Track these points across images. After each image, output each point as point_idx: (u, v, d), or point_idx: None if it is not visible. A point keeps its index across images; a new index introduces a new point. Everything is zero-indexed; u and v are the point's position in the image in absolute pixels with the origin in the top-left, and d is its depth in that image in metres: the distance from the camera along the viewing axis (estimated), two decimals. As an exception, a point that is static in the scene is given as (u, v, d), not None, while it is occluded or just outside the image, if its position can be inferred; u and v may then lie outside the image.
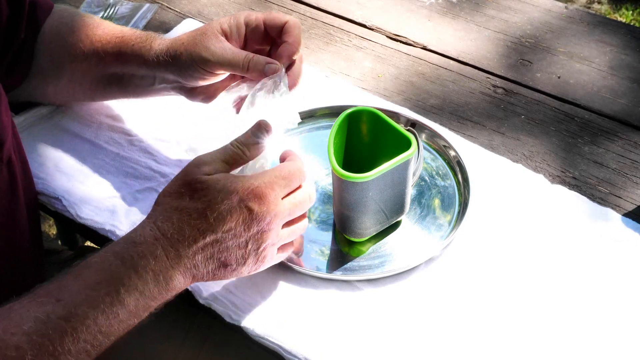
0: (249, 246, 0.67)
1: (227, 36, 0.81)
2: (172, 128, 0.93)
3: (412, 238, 0.80)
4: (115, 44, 0.84)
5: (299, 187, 0.70)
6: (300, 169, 0.70)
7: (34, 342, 0.57)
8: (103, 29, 0.86)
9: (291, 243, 0.72)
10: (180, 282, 0.65)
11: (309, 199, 0.71)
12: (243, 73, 0.78)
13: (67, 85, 0.90)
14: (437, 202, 0.84)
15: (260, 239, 0.67)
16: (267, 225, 0.66)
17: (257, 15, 0.81)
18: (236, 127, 0.75)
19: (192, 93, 0.85)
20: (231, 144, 0.70)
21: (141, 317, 0.64)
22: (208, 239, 0.65)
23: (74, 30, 0.87)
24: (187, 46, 0.79)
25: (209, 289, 0.74)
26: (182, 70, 0.80)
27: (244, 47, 0.82)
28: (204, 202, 0.65)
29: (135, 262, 0.63)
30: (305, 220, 0.72)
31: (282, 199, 0.68)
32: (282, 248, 0.71)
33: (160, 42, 0.82)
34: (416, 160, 0.84)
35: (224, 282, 0.75)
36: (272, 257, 0.70)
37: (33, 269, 0.82)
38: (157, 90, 0.87)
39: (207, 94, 0.85)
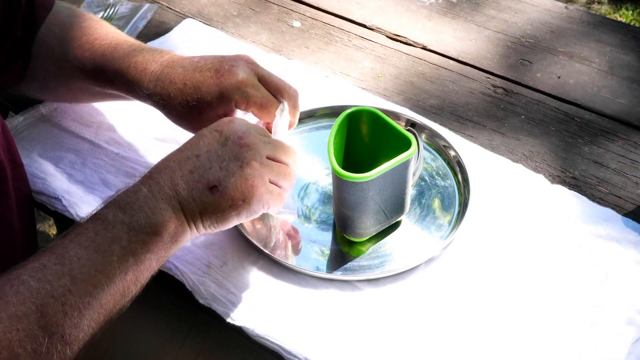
0: (231, 165, 0.67)
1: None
2: (172, 128, 0.93)
3: (412, 238, 0.80)
4: (109, 64, 0.83)
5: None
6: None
7: (32, 287, 0.57)
8: (100, 40, 0.84)
9: (283, 187, 0.71)
10: (166, 211, 0.64)
11: (289, 150, 0.72)
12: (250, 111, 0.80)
13: (65, 91, 0.91)
14: (437, 202, 0.84)
15: (239, 154, 0.67)
16: (240, 140, 0.68)
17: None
18: None
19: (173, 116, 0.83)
20: None
21: (140, 255, 0.63)
22: (185, 165, 0.66)
23: (73, 37, 0.86)
24: (181, 101, 0.79)
25: (209, 289, 0.74)
26: (170, 113, 0.81)
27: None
28: (182, 145, 0.69)
29: (117, 201, 0.64)
30: (291, 169, 0.72)
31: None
32: (275, 180, 0.69)
33: (154, 71, 0.80)
34: (416, 160, 0.84)
35: (223, 282, 0.75)
36: (265, 183, 0.68)
37: None
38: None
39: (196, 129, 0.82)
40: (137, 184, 0.66)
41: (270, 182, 0.69)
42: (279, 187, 0.70)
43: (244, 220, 0.69)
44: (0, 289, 0.57)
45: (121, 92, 0.84)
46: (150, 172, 0.67)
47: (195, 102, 0.77)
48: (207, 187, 0.66)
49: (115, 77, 0.82)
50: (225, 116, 0.77)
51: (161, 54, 0.82)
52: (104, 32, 0.86)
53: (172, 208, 0.65)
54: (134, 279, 0.63)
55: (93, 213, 0.64)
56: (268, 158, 0.69)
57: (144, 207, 0.64)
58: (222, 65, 0.78)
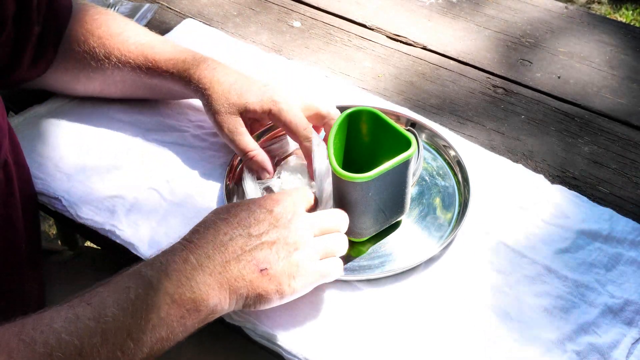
0: (281, 247, 0.67)
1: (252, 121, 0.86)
2: (173, 130, 0.93)
3: (412, 238, 0.80)
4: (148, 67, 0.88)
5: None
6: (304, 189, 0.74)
7: (62, 339, 0.57)
8: (135, 46, 0.88)
9: (335, 258, 0.71)
10: (212, 289, 0.63)
11: (336, 217, 0.72)
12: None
13: (98, 87, 0.93)
14: (437, 202, 0.84)
15: (289, 238, 0.67)
16: (290, 223, 0.68)
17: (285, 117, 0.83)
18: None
19: None
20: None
21: (174, 328, 0.61)
22: (237, 242, 0.66)
23: (104, 39, 0.89)
24: (221, 116, 0.84)
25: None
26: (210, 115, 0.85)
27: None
28: (227, 214, 0.68)
29: (164, 264, 0.63)
30: (343, 236, 0.72)
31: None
32: (322, 263, 0.70)
33: (200, 76, 0.85)
34: (416, 160, 0.84)
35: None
36: (311, 267, 0.68)
37: (30, 270, 0.82)
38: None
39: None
40: (186, 251, 0.64)
41: (323, 258, 0.70)
42: (335, 262, 0.71)
43: (285, 301, 0.68)
44: (29, 334, 0.56)
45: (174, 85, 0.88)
46: (200, 242, 0.65)
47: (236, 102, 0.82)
48: (258, 268, 0.65)
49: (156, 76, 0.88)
50: (258, 123, 0.84)
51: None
52: (136, 40, 0.90)
53: (218, 285, 0.64)
54: (160, 348, 0.62)
55: (136, 269, 0.63)
56: (318, 233, 0.70)
57: (190, 280, 0.63)
58: (269, 81, 0.85)
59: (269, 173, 0.83)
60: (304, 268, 0.68)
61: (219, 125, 0.84)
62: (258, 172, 0.83)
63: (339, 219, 0.73)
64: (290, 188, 0.74)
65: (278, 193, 0.71)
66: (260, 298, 0.66)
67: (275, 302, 0.68)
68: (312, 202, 0.73)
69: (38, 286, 0.86)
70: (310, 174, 0.83)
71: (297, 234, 0.68)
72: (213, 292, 0.63)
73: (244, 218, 0.67)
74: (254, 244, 0.66)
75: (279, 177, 0.83)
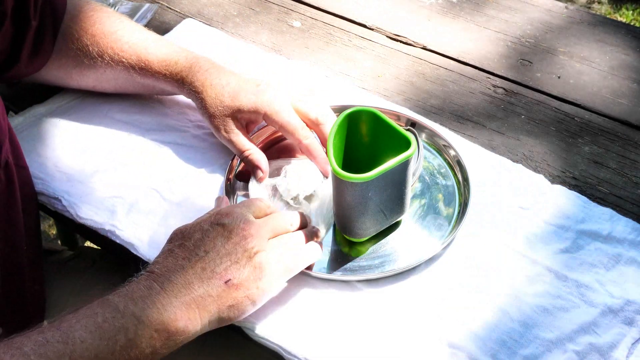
0: (240, 257, 0.68)
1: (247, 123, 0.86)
2: (172, 131, 0.93)
3: (412, 238, 0.80)
4: (141, 68, 0.88)
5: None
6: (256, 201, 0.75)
7: None
8: (129, 45, 0.88)
9: (299, 250, 0.72)
10: (179, 309, 0.64)
11: (286, 217, 0.74)
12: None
13: (91, 84, 0.93)
14: (437, 202, 0.84)
15: (246, 245, 0.68)
16: (243, 231, 0.69)
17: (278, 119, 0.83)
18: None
19: None
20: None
21: (143, 349, 0.62)
22: (197, 263, 0.67)
23: (97, 37, 0.89)
24: (215, 114, 0.84)
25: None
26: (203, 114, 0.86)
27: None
28: (182, 239, 0.69)
29: (130, 292, 0.64)
30: (298, 233, 0.74)
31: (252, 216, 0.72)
32: (284, 259, 0.71)
33: (193, 80, 0.86)
34: (416, 160, 0.84)
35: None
36: (273, 266, 0.69)
37: (30, 271, 0.82)
38: None
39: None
40: (149, 280, 0.66)
41: (286, 255, 0.71)
42: (296, 254, 0.72)
43: (260, 304, 0.70)
44: (0, 356, 0.57)
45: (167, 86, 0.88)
46: (161, 270, 0.67)
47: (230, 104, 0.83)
48: (222, 282, 0.67)
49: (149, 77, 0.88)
50: (253, 123, 0.86)
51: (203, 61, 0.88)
52: (131, 39, 0.89)
53: (185, 306, 0.65)
54: None
55: (103, 298, 0.64)
56: (272, 236, 0.71)
57: (156, 303, 0.64)
58: (262, 80, 0.85)
59: (262, 172, 0.83)
60: (268, 267, 0.69)
61: (214, 127, 0.85)
62: (253, 171, 0.84)
63: (290, 217, 0.75)
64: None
65: (226, 207, 0.73)
66: (232, 308, 0.67)
67: (250, 308, 0.69)
68: (263, 209, 0.74)
69: (39, 287, 0.86)
70: (324, 172, 0.84)
71: (253, 240, 0.69)
72: (180, 313, 0.64)
73: (198, 239, 0.68)
74: (213, 261, 0.67)
75: (285, 177, 0.83)
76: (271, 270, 0.69)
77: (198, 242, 0.68)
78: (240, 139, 0.84)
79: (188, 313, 0.65)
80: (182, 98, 0.95)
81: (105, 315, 0.62)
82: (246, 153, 0.84)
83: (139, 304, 0.63)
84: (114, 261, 0.96)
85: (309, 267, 0.75)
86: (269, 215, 0.73)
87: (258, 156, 0.84)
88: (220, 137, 0.85)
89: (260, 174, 0.83)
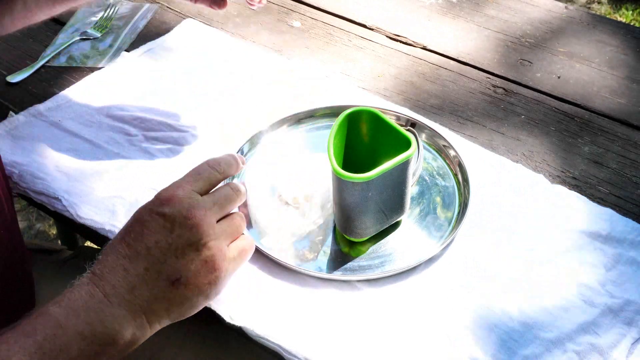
0: (186, 250, 0.61)
1: None
2: (173, 128, 0.93)
3: (412, 238, 0.80)
4: None
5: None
6: (206, 162, 0.67)
7: None
8: None
9: (243, 236, 0.67)
10: (124, 318, 0.59)
11: (234, 189, 0.67)
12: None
13: (23, 11, 0.88)
14: (437, 202, 0.84)
15: (191, 238, 0.61)
16: (187, 220, 0.61)
17: None
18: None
19: None
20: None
21: None
22: (139, 263, 0.60)
23: None
24: None
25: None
26: None
27: None
28: (126, 235, 0.62)
29: (72, 302, 0.58)
30: (239, 214, 0.68)
31: (198, 194, 0.64)
32: (235, 243, 0.65)
33: None
34: (416, 160, 0.84)
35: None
36: (221, 254, 0.63)
37: (17, 266, 0.80)
38: None
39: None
40: (91, 284, 0.59)
41: (230, 244, 0.65)
42: (240, 240, 0.66)
43: (213, 299, 0.64)
44: None
45: None
46: (102, 271, 0.60)
47: None
48: (169, 282, 0.60)
49: None
50: None
51: None
52: None
53: (131, 314, 0.59)
54: None
55: (44, 309, 0.58)
56: (219, 220, 0.65)
57: (99, 314, 0.58)
58: None
59: None
60: (217, 261, 0.62)
61: None
62: None
63: (234, 189, 0.68)
64: (198, 166, 0.67)
65: (167, 188, 0.63)
66: (183, 307, 0.62)
67: (203, 303, 0.64)
68: (211, 179, 0.66)
69: (29, 286, 0.85)
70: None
71: (199, 230, 0.61)
72: (126, 323, 0.59)
73: (138, 233, 0.61)
74: (157, 259, 0.60)
75: (284, 177, 0.83)
76: (221, 262, 0.63)
77: (138, 237, 0.61)
78: None
79: (135, 321, 0.60)
80: (181, 98, 0.95)
81: (46, 331, 0.56)
82: None
83: (82, 316, 0.57)
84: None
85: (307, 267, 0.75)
86: (215, 191, 0.66)
87: None
88: None
89: None
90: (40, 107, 0.95)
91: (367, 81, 1.02)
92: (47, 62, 1.04)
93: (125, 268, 0.60)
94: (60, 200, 0.83)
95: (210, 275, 0.62)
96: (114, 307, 0.59)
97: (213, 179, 0.67)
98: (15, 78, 1.01)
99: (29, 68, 1.02)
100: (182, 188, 0.63)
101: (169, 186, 0.64)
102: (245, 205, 0.81)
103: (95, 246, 1.09)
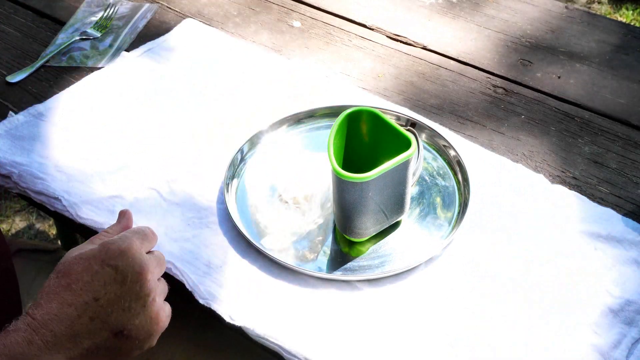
0: (132, 304, 0.62)
1: None
2: (173, 128, 0.93)
3: (412, 238, 0.80)
4: None
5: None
6: (146, 228, 0.69)
7: None
8: None
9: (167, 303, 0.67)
10: None
11: (162, 257, 0.69)
12: None
13: None
14: (437, 202, 0.84)
15: (140, 293, 0.62)
16: (139, 275, 0.62)
17: None
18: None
19: None
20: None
21: None
22: (85, 313, 0.60)
23: None
24: None
25: (209, 289, 0.74)
26: None
27: None
28: (72, 281, 0.61)
29: (8, 349, 0.57)
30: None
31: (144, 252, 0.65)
32: (167, 304, 0.66)
33: None
34: (416, 160, 0.84)
35: (223, 282, 0.75)
36: (164, 311, 0.65)
37: None
38: None
39: None
40: (29, 330, 0.58)
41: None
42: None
43: (147, 347, 0.64)
44: None
45: None
46: (43, 318, 0.59)
47: None
48: (112, 333, 0.61)
49: None
50: None
51: None
52: None
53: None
54: None
55: None
56: (159, 272, 0.66)
57: None
58: None
59: None
60: (161, 316, 0.64)
61: None
62: None
63: (154, 240, 0.69)
64: (139, 227, 0.68)
65: (115, 241, 0.64)
66: (121, 355, 0.62)
67: (136, 354, 0.64)
68: (152, 241, 0.68)
69: (10, 283, 0.83)
70: None
71: (148, 286, 0.63)
72: None
73: (87, 282, 0.61)
74: (104, 310, 0.61)
75: (284, 177, 0.83)
76: (164, 315, 0.65)
77: (87, 286, 0.60)
78: None
79: None
80: (180, 98, 0.95)
81: None
82: None
83: None
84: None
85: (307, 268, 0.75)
86: (155, 252, 0.68)
87: None
88: None
89: None
90: (40, 107, 0.95)
91: (367, 81, 1.02)
92: (46, 62, 1.04)
93: (69, 316, 0.60)
94: (60, 200, 0.83)
95: (152, 329, 0.64)
96: (52, 355, 0.58)
97: (153, 243, 0.69)
98: (15, 78, 1.01)
99: (28, 68, 1.02)
100: (133, 244, 0.64)
101: (118, 240, 0.64)
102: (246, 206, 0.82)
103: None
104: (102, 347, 0.60)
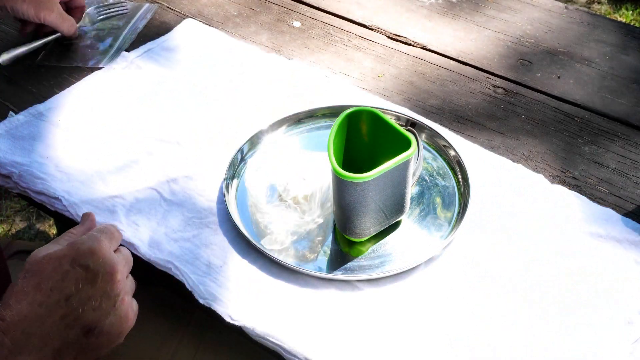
0: (104, 304, 0.63)
1: None
2: (173, 128, 0.93)
3: (412, 238, 0.80)
4: None
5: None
6: (111, 226, 0.70)
7: None
8: None
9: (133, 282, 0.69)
10: None
11: (129, 254, 0.70)
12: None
13: None
14: (437, 202, 0.84)
15: (111, 292, 0.63)
16: (110, 276, 0.63)
17: None
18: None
19: None
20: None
21: None
22: (55, 312, 0.60)
23: None
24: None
25: (209, 289, 0.74)
26: None
27: None
28: (39, 278, 0.62)
29: None
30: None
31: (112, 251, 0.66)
32: (133, 300, 0.67)
33: None
34: (416, 160, 0.84)
35: (223, 282, 0.75)
36: (132, 309, 0.66)
37: None
38: None
39: None
40: (0, 332, 0.58)
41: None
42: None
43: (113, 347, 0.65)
44: None
45: None
46: (13, 318, 0.59)
47: None
48: (83, 332, 0.61)
49: None
50: None
51: None
52: None
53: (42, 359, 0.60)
54: None
55: None
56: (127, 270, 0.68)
57: None
58: None
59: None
60: (130, 314, 0.65)
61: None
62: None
63: (120, 238, 0.70)
64: (104, 226, 0.69)
65: (85, 240, 0.65)
66: (89, 355, 0.63)
67: (105, 351, 0.64)
68: (118, 239, 0.69)
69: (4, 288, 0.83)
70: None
71: (119, 286, 0.64)
72: None
73: (57, 282, 0.61)
74: (75, 309, 0.61)
75: (284, 176, 0.83)
76: (133, 313, 0.66)
77: (57, 286, 0.61)
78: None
79: None
80: (181, 98, 0.95)
81: None
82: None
83: None
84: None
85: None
86: (123, 250, 0.69)
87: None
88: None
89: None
90: (40, 107, 0.95)
91: (367, 81, 1.02)
92: (46, 62, 1.04)
93: (40, 317, 0.60)
94: (60, 200, 0.83)
95: (121, 327, 0.64)
96: (23, 356, 0.58)
97: (119, 241, 0.70)
98: (6, 56, 1.03)
99: (22, 46, 1.05)
100: (103, 244, 0.65)
101: (87, 239, 0.65)
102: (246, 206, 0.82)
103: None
104: (72, 346, 0.61)
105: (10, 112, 0.94)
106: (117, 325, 0.64)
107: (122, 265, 0.66)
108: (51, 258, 0.63)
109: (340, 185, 0.74)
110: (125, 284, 0.65)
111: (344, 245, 0.80)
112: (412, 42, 1.10)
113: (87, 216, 0.74)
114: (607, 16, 1.81)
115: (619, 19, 2.42)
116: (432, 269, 0.77)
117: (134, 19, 1.13)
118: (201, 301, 0.74)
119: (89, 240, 0.64)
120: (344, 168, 0.72)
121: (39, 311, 0.60)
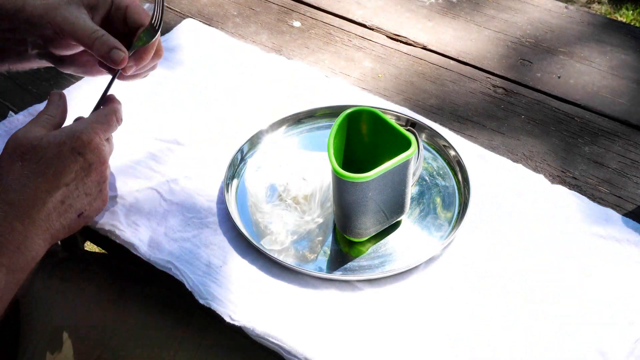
0: (93, 190, 0.72)
1: (92, 7, 0.78)
2: (173, 128, 0.93)
3: (412, 238, 0.80)
4: None
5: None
6: (115, 110, 0.76)
7: None
8: None
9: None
10: (40, 247, 0.67)
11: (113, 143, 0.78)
12: (88, 48, 0.76)
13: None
14: (437, 202, 0.84)
15: (100, 180, 0.72)
16: (102, 166, 0.72)
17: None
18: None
19: (61, 62, 0.84)
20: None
21: (13, 291, 0.64)
22: (56, 195, 0.68)
23: None
24: (47, 8, 0.76)
25: (209, 289, 0.74)
26: (37, 29, 0.77)
27: (106, 26, 0.79)
28: (42, 165, 0.68)
29: None
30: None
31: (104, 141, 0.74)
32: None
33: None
34: (416, 160, 0.84)
35: (223, 282, 0.75)
36: (107, 190, 0.75)
37: None
38: (31, 57, 0.82)
39: (76, 65, 0.85)
40: (11, 218, 0.66)
41: None
42: None
43: None
44: None
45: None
46: (20, 201, 0.66)
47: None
48: (76, 215, 0.70)
49: None
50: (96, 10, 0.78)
51: None
52: None
53: (44, 241, 0.67)
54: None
55: None
56: None
57: (20, 247, 0.65)
58: None
59: (122, 50, 0.75)
60: (106, 196, 0.75)
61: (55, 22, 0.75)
62: (110, 55, 0.75)
63: (116, 129, 0.78)
64: (106, 112, 0.76)
65: (86, 130, 0.72)
66: (74, 230, 0.71)
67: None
68: (113, 127, 0.75)
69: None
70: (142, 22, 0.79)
71: (105, 174, 0.73)
72: (42, 249, 0.67)
73: (60, 168, 0.68)
74: (72, 195, 0.69)
75: (283, 176, 0.83)
76: (107, 194, 0.76)
77: (59, 171, 0.68)
78: (85, 22, 0.75)
79: (45, 247, 0.67)
80: (181, 98, 0.95)
81: None
82: (95, 34, 0.74)
83: (5, 253, 0.64)
84: (106, 267, 0.96)
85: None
86: (109, 142, 0.76)
87: (110, 37, 0.75)
88: (65, 27, 0.75)
89: (120, 53, 0.75)
90: (40, 107, 0.95)
91: (367, 81, 1.02)
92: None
93: (44, 201, 0.67)
94: (60, 200, 0.83)
95: (101, 208, 0.75)
96: (32, 238, 0.66)
97: (115, 130, 0.77)
98: None
99: None
100: (99, 135, 0.72)
101: (85, 129, 0.71)
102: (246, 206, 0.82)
103: (96, 246, 1.09)
104: (66, 227, 0.69)
105: (10, 112, 0.94)
106: (100, 207, 0.74)
107: (108, 155, 0.74)
108: (50, 143, 0.69)
109: (340, 185, 0.74)
110: (108, 172, 0.74)
111: (344, 245, 0.80)
112: (412, 42, 1.10)
113: (58, 96, 0.77)
114: (607, 16, 1.81)
115: (619, 19, 2.42)
116: (432, 269, 0.77)
117: (134, 19, 1.13)
118: (201, 301, 0.74)
119: (87, 131, 0.71)
120: (344, 168, 0.72)
121: (43, 197, 0.67)
